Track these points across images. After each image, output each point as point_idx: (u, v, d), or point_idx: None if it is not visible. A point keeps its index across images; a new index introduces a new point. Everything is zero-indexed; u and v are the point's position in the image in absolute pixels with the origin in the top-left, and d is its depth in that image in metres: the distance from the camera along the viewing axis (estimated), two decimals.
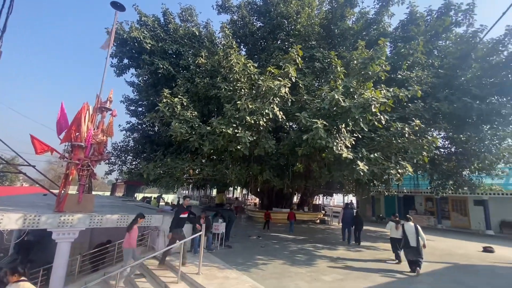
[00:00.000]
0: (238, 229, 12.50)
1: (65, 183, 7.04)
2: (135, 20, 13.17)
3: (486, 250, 10.26)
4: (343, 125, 7.52)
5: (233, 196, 33.10)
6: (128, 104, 18.72)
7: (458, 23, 11.25)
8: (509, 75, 8.96)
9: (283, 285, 5.55)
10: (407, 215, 8.10)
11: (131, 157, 18.96)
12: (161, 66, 11.86)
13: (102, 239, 8.70)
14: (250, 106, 7.64)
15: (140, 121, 18.84)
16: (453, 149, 12.60)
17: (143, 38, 12.23)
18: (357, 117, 7.05)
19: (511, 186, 16.02)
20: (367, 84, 8.13)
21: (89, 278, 6.73)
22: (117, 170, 19.78)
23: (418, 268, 6.75)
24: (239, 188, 29.34)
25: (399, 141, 8.01)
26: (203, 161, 9.69)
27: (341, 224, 11.69)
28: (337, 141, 7.15)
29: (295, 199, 21.84)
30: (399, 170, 7.60)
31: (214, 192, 31.40)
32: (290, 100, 8.75)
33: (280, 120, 8.37)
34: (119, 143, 19.37)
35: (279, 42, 14.16)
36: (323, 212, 20.90)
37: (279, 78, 8.34)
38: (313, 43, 12.78)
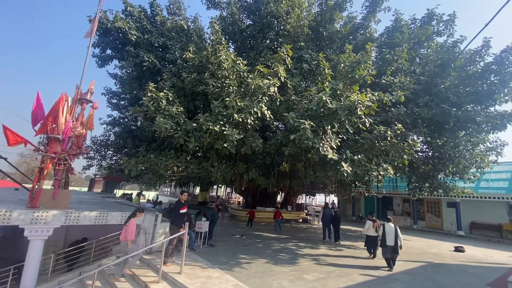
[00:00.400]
0: (221, 227, 12.41)
1: (39, 177, 6.62)
2: (120, 10, 12.63)
3: (457, 249, 10.85)
4: (329, 127, 7.64)
5: (216, 194, 32.85)
6: (110, 97, 18.06)
7: (440, 32, 11.77)
8: (484, 85, 9.48)
9: (267, 284, 5.57)
10: (388, 216, 8.50)
11: (111, 152, 18.33)
12: (147, 59, 11.47)
13: (78, 237, 8.33)
14: (238, 104, 7.57)
15: (122, 115, 18.23)
16: (430, 153, 13.23)
17: (128, 29, 11.76)
18: (343, 119, 7.19)
19: (481, 189, 17.04)
20: (354, 87, 8.31)
21: (64, 277, 6.41)
22: (96, 165, 19.07)
23: (393, 265, 7.38)
24: (223, 186, 29.14)
25: (381, 144, 8.31)
26: (188, 158, 9.50)
27: (321, 223, 12.03)
28: (323, 142, 7.27)
29: (279, 198, 22.01)
30: (381, 172, 7.90)
31: (198, 190, 31.03)
32: (278, 100, 8.77)
33: (268, 119, 8.36)
34: (99, 137, 18.69)
35: (268, 41, 14.12)
36: (306, 211, 21.25)
37: (269, 77, 8.33)
38: (301, 44, 12.85)
